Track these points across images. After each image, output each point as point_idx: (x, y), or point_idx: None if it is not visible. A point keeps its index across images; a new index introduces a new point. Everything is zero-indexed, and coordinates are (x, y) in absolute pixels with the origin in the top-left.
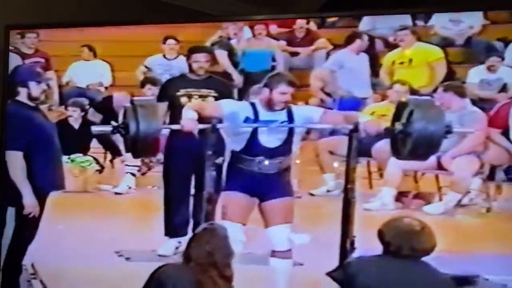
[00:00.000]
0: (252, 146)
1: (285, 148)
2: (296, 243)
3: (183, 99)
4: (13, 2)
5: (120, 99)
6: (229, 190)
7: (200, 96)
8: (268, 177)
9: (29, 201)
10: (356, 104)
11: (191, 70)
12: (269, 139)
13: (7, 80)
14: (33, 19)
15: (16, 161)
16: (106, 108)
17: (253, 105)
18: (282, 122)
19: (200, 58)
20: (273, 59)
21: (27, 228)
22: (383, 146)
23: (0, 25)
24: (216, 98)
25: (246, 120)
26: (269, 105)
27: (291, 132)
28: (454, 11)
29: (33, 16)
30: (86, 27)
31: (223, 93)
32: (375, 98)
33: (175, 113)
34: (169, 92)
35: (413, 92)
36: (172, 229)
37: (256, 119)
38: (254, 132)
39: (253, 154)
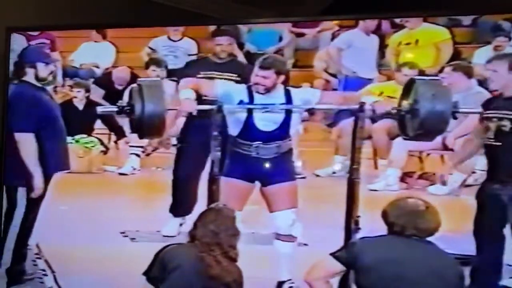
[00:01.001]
0: (248, 130)
1: (282, 131)
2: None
3: None
4: (14, 4)
5: (120, 74)
6: (227, 176)
7: (221, 79)
8: (267, 162)
9: (38, 183)
10: (360, 84)
11: (214, 53)
12: (265, 122)
13: (8, 80)
14: (34, 21)
15: (27, 143)
16: (106, 83)
17: (249, 88)
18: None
19: (223, 41)
20: (280, 39)
21: (36, 208)
22: (382, 126)
23: (1, 27)
24: (237, 82)
25: (240, 103)
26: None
27: (288, 114)
28: (455, 14)
29: (34, 18)
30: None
31: (245, 77)
32: (380, 79)
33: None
34: (189, 74)
35: (419, 72)
36: (178, 208)
37: (251, 102)
38: (249, 116)
39: (249, 138)
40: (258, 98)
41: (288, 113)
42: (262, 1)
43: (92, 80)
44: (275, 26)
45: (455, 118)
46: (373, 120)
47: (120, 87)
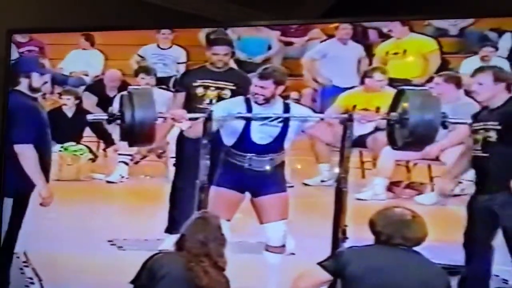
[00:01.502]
0: (243, 142)
1: (276, 145)
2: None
3: (199, 90)
4: (15, 6)
5: (111, 75)
6: (218, 185)
7: (217, 88)
8: (259, 173)
9: (44, 192)
10: (338, 93)
11: (211, 62)
12: (260, 135)
13: (9, 85)
14: (33, 23)
15: (28, 154)
16: (98, 90)
17: (247, 100)
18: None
19: (220, 51)
20: (269, 48)
21: (20, 219)
22: (378, 136)
23: (2, 29)
24: (233, 91)
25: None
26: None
27: (285, 128)
28: (453, 18)
29: (35, 20)
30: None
31: (241, 86)
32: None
33: (191, 103)
34: (186, 82)
35: (406, 82)
36: (175, 226)
37: (249, 113)
38: (246, 128)
39: (244, 150)
40: (256, 110)
41: (285, 127)
42: (262, 3)
43: (82, 87)
44: (265, 34)
45: (445, 127)
46: None
47: (112, 93)
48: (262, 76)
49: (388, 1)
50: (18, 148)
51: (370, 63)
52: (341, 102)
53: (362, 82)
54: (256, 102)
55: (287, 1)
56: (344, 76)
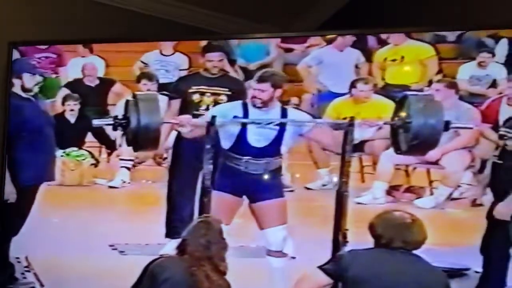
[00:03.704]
0: (240, 144)
1: (272, 148)
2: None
3: (195, 96)
4: (16, 18)
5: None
6: (216, 189)
7: (213, 94)
8: (255, 178)
9: (7, 188)
10: (333, 98)
11: (205, 68)
12: (257, 138)
13: (9, 94)
14: (35, 35)
15: None
16: (79, 86)
17: (244, 104)
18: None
19: (214, 57)
20: (267, 53)
21: (12, 218)
22: (376, 140)
23: (3, 42)
24: (229, 96)
25: (235, 118)
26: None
27: (281, 132)
28: (452, 30)
29: (36, 32)
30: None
31: (236, 91)
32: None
33: (187, 109)
34: (181, 89)
35: (405, 88)
36: (175, 230)
37: (246, 117)
38: (243, 131)
39: (240, 152)
40: (253, 113)
41: (282, 130)
42: (262, 15)
43: None
44: (265, 40)
45: (447, 130)
46: None
47: (91, 84)
48: (260, 79)
49: (386, 10)
50: None
51: (370, 69)
52: (331, 112)
53: (350, 93)
54: (254, 105)
55: (286, 13)
56: (341, 82)
